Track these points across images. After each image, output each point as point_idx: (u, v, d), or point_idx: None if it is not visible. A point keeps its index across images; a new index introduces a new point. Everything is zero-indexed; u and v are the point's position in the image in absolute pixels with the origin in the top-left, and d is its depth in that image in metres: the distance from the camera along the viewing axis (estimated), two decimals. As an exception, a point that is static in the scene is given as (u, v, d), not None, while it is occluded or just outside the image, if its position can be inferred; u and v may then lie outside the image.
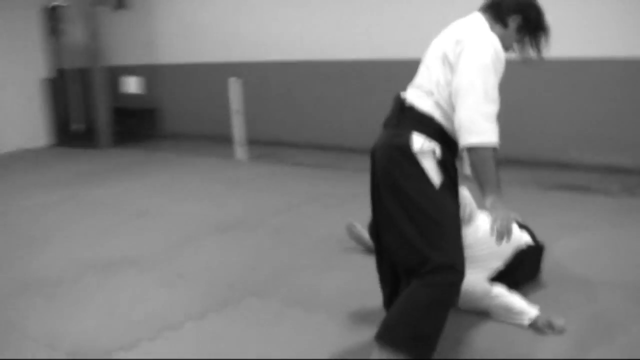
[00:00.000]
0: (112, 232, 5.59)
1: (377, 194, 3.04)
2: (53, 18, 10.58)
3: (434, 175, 2.85)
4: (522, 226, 4.07)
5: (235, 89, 8.37)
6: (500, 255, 3.75)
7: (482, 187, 2.82)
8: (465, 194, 3.56)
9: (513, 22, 3.00)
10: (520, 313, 3.46)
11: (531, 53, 3.08)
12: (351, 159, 7.82)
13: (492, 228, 2.82)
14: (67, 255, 5.02)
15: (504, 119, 2.99)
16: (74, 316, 3.90)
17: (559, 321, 3.39)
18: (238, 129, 8.47)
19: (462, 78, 2.79)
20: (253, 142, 8.66)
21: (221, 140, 9.20)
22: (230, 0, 9.34)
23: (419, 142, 2.86)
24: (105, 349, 3.45)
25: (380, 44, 7.97)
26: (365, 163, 3.17)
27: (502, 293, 3.57)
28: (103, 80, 9.96)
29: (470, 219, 3.63)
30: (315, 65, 8.62)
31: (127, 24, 10.62)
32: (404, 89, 3.09)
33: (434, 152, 2.86)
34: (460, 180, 3.08)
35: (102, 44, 10.11)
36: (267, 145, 8.98)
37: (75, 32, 10.38)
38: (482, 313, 3.56)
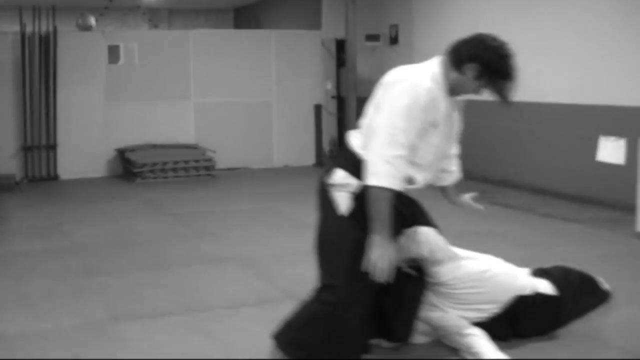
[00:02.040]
0: (255, 237, 6.40)
1: None
2: (338, 50, 11.85)
3: (342, 204, 3.15)
4: (549, 272, 3.91)
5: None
6: (493, 298, 3.68)
7: (372, 224, 3.02)
8: (425, 231, 3.56)
9: (469, 69, 3.07)
10: None
11: (497, 98, 3.11)
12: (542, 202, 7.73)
13: (364, 263, 3.02)
14: (199, 248, 6.06)
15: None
16: (154, 282, 5.04)
17: None
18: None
19: (374, 121, 3.07)
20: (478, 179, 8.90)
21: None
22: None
23: (337, 177, 3.19)
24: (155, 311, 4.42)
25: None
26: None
27: (474, 334, 3.58)
28: (354, 110, 10.91)
29: (436, 257, 3.57)
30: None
31: (388, 59, 11.46)
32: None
33: (347, 185, 3.15)
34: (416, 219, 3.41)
35: (361, 75, 11.10)
36: (488, 183, 9.07)
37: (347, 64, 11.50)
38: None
